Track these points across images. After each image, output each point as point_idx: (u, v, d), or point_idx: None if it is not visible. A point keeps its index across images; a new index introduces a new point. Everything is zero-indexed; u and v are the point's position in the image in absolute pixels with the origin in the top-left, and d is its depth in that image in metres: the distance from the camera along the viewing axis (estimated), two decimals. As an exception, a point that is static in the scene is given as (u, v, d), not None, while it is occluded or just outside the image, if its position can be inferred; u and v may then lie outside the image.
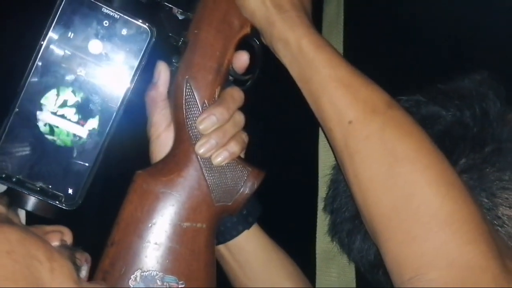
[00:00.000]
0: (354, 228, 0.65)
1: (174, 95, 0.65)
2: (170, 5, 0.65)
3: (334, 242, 0.70)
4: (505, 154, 0.64)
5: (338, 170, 0.66)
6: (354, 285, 0.71)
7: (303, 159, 0.80)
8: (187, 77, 0.64)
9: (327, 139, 0.62)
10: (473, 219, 0.52)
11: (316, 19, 0.68)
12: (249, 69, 0.68)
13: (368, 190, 0.55)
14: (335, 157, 0.61)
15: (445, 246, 0.51)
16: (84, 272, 0.57)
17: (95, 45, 0.56)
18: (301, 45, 0.60)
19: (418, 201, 0.53)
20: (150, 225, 0.63)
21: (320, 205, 0.74)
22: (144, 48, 0.58)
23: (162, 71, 0.64)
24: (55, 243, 0.55)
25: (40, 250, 0.52)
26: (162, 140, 0.67)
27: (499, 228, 0.62)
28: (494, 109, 0.66)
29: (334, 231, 0.68)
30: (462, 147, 0.64)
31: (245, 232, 0.72)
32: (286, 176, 0.78)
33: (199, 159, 0.64)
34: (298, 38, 0.61)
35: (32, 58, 0.56)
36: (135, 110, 0.64)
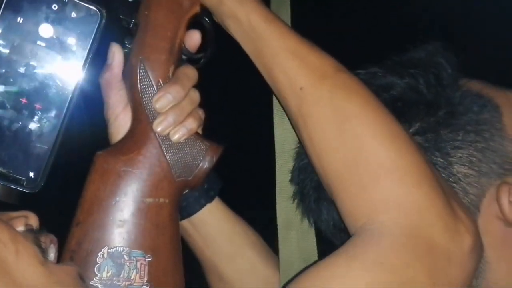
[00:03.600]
0: (319, 196, 0.68)
1: (128, 76, 0.67)
2: (120, -13, 0.66)
3: (297, 211, 0.73)
4: (458, 116, 0.68)
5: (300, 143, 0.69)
6: (315, 248, 0.74)
7: (260, 131, 0.82)
8: (140, 57, 0.66)
9: (283, 109, 0.64)
10: (417, 165, 0.56)
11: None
12: (202, 48, 0.70)
13: (322, 150, 0.59)
14: (292, 125, 0.64)
15: (392, 191, 0.55)
16: (52, 255, 0.59)
17: (46, 29, 0.57)
18: (251, 20, 0.63)
19: (366, 153, 0.57)
20: (113, 202, 0.64)
21: (280, 176, 0.76)
22: (95, 30, 0.59)
23: (116, 53, 0.66)
24: (20, 227, 0.57)
25: (4, 233, 0.53)
26: (120, 121, 0.68)
27: (455, 185, 0.66)
28: (446, 75, 0.70)
29: (301, 201, 0.71)
30: (415, 111, 0.68)
31: (208, 206, 0.75)
32: (244, 150, 0.80)
33: (158, 136, 0.66)
34: (247, 13, 0.63)
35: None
36: (91, 93, 0.66)
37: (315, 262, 0.71)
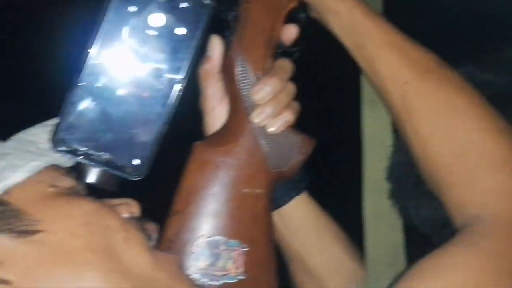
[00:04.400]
0: (420, 193, 0.68)
1: (228, 68, 0.67)
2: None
3: (386, 206, 0.73)
4: None
5: (399, 140, 0.69)
6: (402, 242, 0.74)
7: (347, 127, 0.82)
8: (240, 50, 0.66)
9: (383, 102, 0.64)
10: None
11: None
12: (296, 41, 0.70)
13: (429, 144, 0.59)
14: (393, 119, 0.64)
15: (504, 184, 0.56)
16: (152, 242, 0.59)
17: (156, 18, 0.58)
18: (353, 14, 0.64)
19: (477, 147, 0.58)
20: (211, 192, 0.65)
21: (367, 172, 0.76)
22: (204, 21, 0.59)
23: (216, 45, 0.66)
24: (125, 215, 0.57)
25: (114, 220, 0.54)
26: (217, 113, 0.69)
27: None
28: None
29: (398, 197, 0.71)
30: None
31: (296, 198, 0.75)
32: (331, 145, 0.80)
33: (255, 128, 0.66)
34: (349, 8, 0.64)
35: (94, 32, 0.58)
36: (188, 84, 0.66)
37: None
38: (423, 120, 0.60)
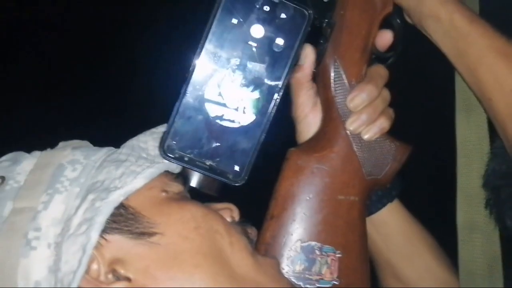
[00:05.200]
0: None
1: (322, 75, 0.68)
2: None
3: (482, 214, 0.71)
4: None
5: (497, 148, 0.67)
6: (499, 252, 0.72)
7: (440, 134, 0.81)
8: (335, 56, 0.67)
9: (485, 110, 0.63)
10: None
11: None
12: (391, 47, 0.70)
13: None
14: (496, 126, 0.62)
15: None
16: (253, 245, 0.61)
17: (257, 30, 0.60)
18: (454, 19, 0.62)
19: None
20: (307, 198, 0.66)
21: (462, 179, 0.75)
22: (302, 30, 0.61)
23: (309, 54, 0.67)
24: (228, 219, 0.60)
25: (220, 225, 0.56)
26: (309, 120, 0.70)
27: None
28: None
29: (494, 207, 0.69)
30: None
31: (388, 206, 0.75)
32: (423, 152, 0.80)
33: (349, 135, 0.67)
34: (449, 13, 0.62)
35: (200, 43, 0.60)
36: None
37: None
38: None
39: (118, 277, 0.51)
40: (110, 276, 0.51)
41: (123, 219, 0.52)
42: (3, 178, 0.55)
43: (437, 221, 0.80)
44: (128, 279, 0.50)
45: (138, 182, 0.53)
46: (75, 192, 0.53)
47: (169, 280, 0.51)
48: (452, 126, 0.77)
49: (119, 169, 0.54)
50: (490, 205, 0.72)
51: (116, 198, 0.51)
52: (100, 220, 0.49)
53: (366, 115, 0.66)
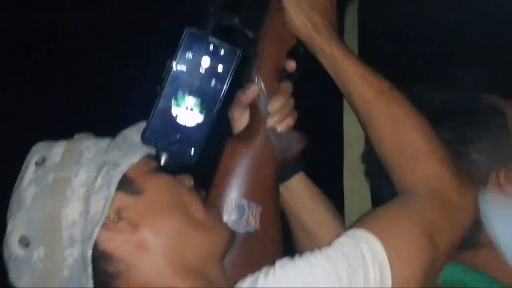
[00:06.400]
0: (381, 174, 1.00)
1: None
2: (243, 29, 1.00)
3: (359, 183, 1.06)
4: (478, 121, 0.99)
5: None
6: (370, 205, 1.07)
7: (331, 127, 1.16)
8: (258, 76, 0.99)
9: (355, 113, 0.96)
10: (441, 152, 0.88)
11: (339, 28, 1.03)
12: (296, 68, 1.03)
13: (381, 142, 0.91)
14: (360, 124, 0.96)
15: (426, 168, 0.87)
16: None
17: (205, 60, 0.92)
18: (333, 53, 0.95)
19: (411, 144, 0.89)
20: (238, 171, 0.98)
21: (347, 158, 1.10)
22: (235, 60, 0.93)
23: (253, 90, 0.98)
24: (186, 185, 0.91)
25: (183, 187, 0.88)
26: (241, 120, 1.02)
27: (472, 166, 0.97)
28: (473, 93, 1.02)
29: (370, 176, 1.04)
30: (450, 116, 0.99)
31: (296, 176, 1.08)
32: (318, 140, 1.14)
33: (268, 129, 0.99)
34: (331, 49, 0.95)
35: (167, 68, 0.91)
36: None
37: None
38: (378, 127, 0.91)
39: (121, 218, 0.82)
40: (116, 218, 0.81)
41: (125, 183, 0.83)
42: (44, 158, 0.85)
43: (330, 189, 1.15)
44: (127, 220, 0.81)
45: (133, 159, 0.84)
46: (92, 166, 0.83)
47: (153, 220, 0.82)
48: (341, 123, 1.12)
49: (120, 151, 0.85)
50: (366, 175, 1.07)
51: (123, 168, 0.82)
52: (115, 181, 0.80)
53: (279, 116, 0.99)
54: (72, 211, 0.80)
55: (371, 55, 1.03)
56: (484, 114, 1.00)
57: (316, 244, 0.82)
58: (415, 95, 0.95)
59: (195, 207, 0.87)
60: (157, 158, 0.92)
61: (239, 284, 0.76)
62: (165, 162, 0.95)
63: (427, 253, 0.78)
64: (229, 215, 0.97)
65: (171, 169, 0.95)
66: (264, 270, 0.76)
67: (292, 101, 1.01)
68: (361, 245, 0.75)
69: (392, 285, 0.74)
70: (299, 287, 0.72)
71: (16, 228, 0.82)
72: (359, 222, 0.84)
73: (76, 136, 0.89)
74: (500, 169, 0.95)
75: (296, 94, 1.02)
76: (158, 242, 0.82)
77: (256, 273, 0.76)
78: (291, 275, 0.72)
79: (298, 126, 1.03)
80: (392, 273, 0.74)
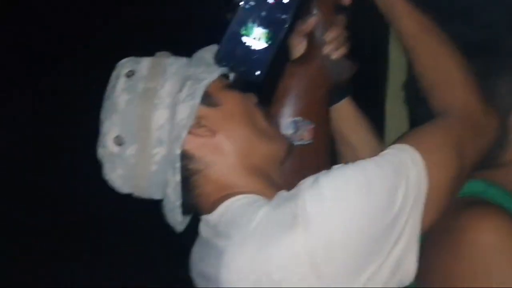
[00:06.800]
0: (419, 97, 1.13)
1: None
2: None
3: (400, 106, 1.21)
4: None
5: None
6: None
7: (376, 59, 1.29)
8: (316, 9, 1.13)
9: (403, 47, 1.09)
10: (472, 83, 1.02)
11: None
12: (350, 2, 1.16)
13: (426, 71, 1.06)
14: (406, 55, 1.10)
15: (459, 95, 1.02)
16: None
17: (273, -4, 1.05)
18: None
19: (449, 73, 1.03)
20: (297, 91, 1.13)
21: (392, 82, 1.24)
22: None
23: (313, 20, 1.12)
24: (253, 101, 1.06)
25: (249, 102, 1.04)
26: (299, 48, 1.16)
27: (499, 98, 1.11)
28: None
29: (409, 102, 1.19)
30: (482, 52, 1.12)
31: (344, 100, 1.23)
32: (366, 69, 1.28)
33: (324, 55, 1.13)
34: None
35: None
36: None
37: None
38: (422, 58, 1.06)
39: (201, 126, 0.98)
40: (197, 124, 0.98)
41: (205, 96, 0.99)
42: (132, 71, 1.01)
43: (373, 113, 1.30)
44: (206, 127, 0.98)
45: (213, 76, 1.00)
46: (176, 79, 0.99)
47: (227, 128, 0.99)
48: (387, 53, 1.26)
49: (199, 68, 1.01)
50: (408, 101, 1.21)
51: (205, 82, 0.98)
52: (199, 93, 0.96)
53: (335, 44, 1.13)
54: (160, 116, 0.97)
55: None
56: (510, 49, 1.12)
57: (360, 159, 0.96)
58: (450, 31, 1.08)
59: (260, 119, 1.03)
60: (227, 77, 1.08)
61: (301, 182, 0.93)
62: (234, 81, 1.11)
63: (457, 164, 0.94)
64: (286, 130, 1.13)
65: (238, 87, 1.10)
66: (322, 172, 0.92)
67: (345, 32, 1.14)
68: (403, 154, 0.91)
69: (427, 188, 0.90)
70: (355, 178, 0.88)
71: (111, 129, 1.00)
72: (400, 139, 1.00)
73: (158, 53, 1.05)
74: None
75: (348, 26, 1.15)
76: (231, 146, 0.99)
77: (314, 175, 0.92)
78: (348, 171, 0.89)
79: (349, 55, 1.17)
80: (428, 178, 0.90)
